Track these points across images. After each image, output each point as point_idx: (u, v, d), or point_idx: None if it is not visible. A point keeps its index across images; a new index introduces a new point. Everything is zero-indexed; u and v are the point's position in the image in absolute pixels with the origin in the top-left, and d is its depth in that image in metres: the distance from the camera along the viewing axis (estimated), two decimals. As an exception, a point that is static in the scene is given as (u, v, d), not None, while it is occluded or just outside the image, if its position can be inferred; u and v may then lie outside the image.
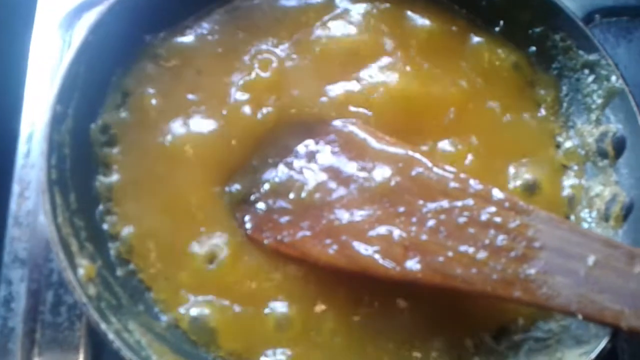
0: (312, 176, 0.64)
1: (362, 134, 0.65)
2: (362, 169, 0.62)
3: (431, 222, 0.57)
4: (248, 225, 0.63)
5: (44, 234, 0.73)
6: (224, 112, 0.68)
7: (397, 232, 0.57)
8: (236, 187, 0.65)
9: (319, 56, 0.72)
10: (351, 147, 0.64)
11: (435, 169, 0.60)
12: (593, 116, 0.70)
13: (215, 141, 0.66)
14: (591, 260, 0.54)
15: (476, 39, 0.75)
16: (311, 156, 0.65)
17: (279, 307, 0.61)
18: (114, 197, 0.64)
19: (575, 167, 0.70)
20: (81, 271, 0.56)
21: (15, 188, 0.76)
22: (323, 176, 0.63)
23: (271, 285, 0.62)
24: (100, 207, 0.63)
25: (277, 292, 0.61)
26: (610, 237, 0.63)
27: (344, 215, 0.60)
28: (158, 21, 0.72)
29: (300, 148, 0.66)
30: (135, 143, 0.67)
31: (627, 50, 0.90)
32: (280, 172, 0.65)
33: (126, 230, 0.63)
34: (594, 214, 0.66)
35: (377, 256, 0.57)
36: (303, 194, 0.63)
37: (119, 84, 0.69)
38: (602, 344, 0.55)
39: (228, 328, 0.60)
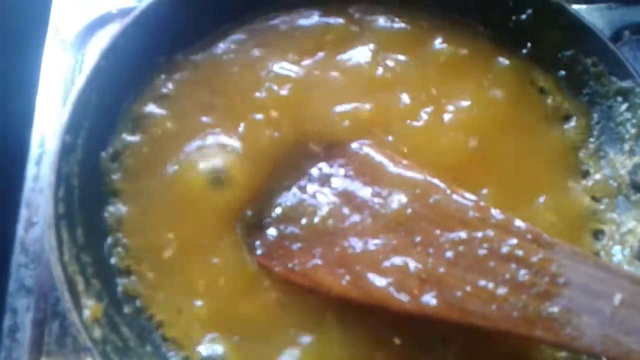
0: (325, 201, 0.61)
1: (378, 157, 0.62)
2: (377, 194, 0.60)
3: (449, 254, 0.55)
4: (259, 252, 0.61)
5: (49, 262, 0.72)
6: (240, 133, 0.66)
7: (413, 264, 0.55)
8: (248, 212, 0.63)
9: (337, 78, 0.69)
10: (366, 171, 0.62)
11: (454, 197, 0.57)
12: (626, 146, 0.66)
13: (230, 166, 0.64)
14: (617, 299, 0.51)
15: (502, 62, 0.71)
16: (325, 180, 0.63)
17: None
18: (123, 228, 0.62)
19: (606, 200, 0.66)
20: (87, 312, 0.54)
21: (24, 212, 0.74)
22: (336, 201, 0.61)
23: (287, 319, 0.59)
24: (109, 239, 0.61)
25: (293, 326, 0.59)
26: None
27: (357, 244, 0.58)
28: (172, 42, 0.70)
29: (314, 171, 0.64)
30: (147, 170, 0.64)
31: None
32: (292, 196, 0.63)
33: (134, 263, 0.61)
34: (627, 251, 0.63)
35: (391, 289, 0.55)
36: (316, 220, 0.60)
37: (131, 109, 0.67)
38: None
39: None
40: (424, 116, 0.67)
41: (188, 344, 0.59)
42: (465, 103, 0.68)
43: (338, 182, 0.62)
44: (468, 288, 0.53)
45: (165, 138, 0.66)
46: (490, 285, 0.53)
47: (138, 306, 0.59)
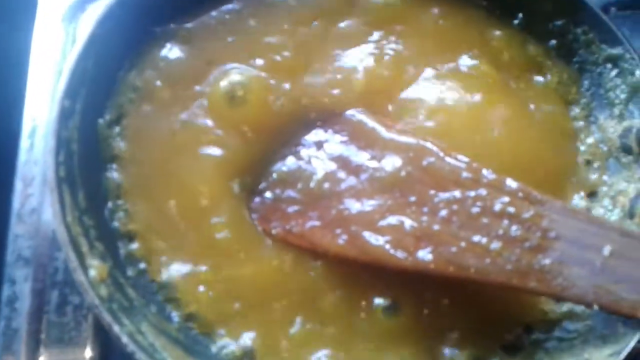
0: (321, 166, 0.62)
1: (371, 123, 0.63)
2: (372, 158, 0.61)
3: (443, 212, 0.56)
4: (255, 215, 0.62)
5: (48, 232, 0.72)
6: (233, 100, 0.65)
7: (408, 222, 0.56)
8: (246, 177, 0.64)
9: (332, 47, 0.69)
10: (360, 136, 0.63)
11: (447, 159, 0.58)
12: (616, 111, 0.68)
13: (226, 132, 0.64)
14: (607, 250, 0.53)
15: (495, 32, 0.72)
16: (320, 146, 0.64)
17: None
18: (123, 194, 0.62)
19: (598, 163, 0.68)
20: (92, 272, 0.54)
21: (18, 185, 0.74)
22: (332, 166, 0.62)
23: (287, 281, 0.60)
24: (109, 204, 0.61)
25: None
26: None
27: (353, 206, 0.59)
28: (167, 12, 0.69)
29: (309, 137, 0.65)
30: (144, 137, 0.64)
31: (641, 44, 0.88)
32: (288, 162, 0.64)
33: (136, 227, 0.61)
34: (618, 211, 0.64)
35: (388, 246, 0.56)
36: (312, 184, 0.61)
37: (127, 77, 0.66)
38: (631, 344, 0.54)
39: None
40: (421, 83, 0.68)
41: (191, 305, 0.59)
42: (460, 70, 0.69)
43: (333, 148, 0.63)
44: (462, 244, 0.54)
45: (163, 106, 0.66)
46: (484, 240, 0.54)
47: (141, 268, 0.60)
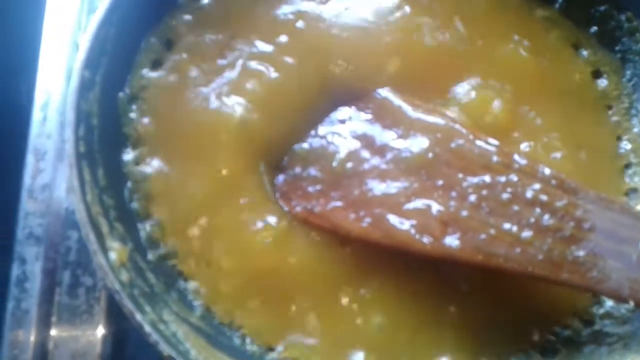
0: (344, 144, 0.60)
1: (397, 101, 0.61)
2: (398, 138, 0.58)
3: (472, 198, 0.54)
4: (277, 194, 0.60)
5: (61, 209, 0.69)
6: (261, 76, 0.62)
7: (435, 207, 0.54)
8: (272, 156, 0.61)
9: (365, 20, 0.66)
10: (386, 115, 0.60)
11: (477, 142, 0.56)
12: (661, 104, 0.65)
13: (253, 110, 0.61)
14: None
15: (536, 14, 0.69)
16: (343, 123, 0.61)
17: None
18: (144, 173, 0.59)
19: (638, 159, 0.65)
20: (113, 255, 0.51)
21: (30, 159, 0.71)
22: (355, 145, 0.59)
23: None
24: (129, 184, 0.58)
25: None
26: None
27: (378, 187, 0.56)
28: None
29: (333, 115, 0.62)
30: (166, 113, 0.61)
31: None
32: (311, 140, 0.62)
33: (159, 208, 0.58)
34: (659, 209, 0.62)
35: (413, 231, 0.54)
36: (334, 163, 0.59)
37: (150, 48, 0.63)
38: (677, 351, 0.51)
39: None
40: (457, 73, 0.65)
41: (213, 295, 0.56)
42: (499, 53, 0.66)
43: (357, 126, 0.61)
44: (492, 231, 0.52)
45: (186, 80, 0.62)
46: (515, 228, 0.52)
47: (162, 253, 0.57)
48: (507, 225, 0.52)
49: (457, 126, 0.57)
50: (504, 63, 0.66)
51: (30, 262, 0.66)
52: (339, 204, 0.57)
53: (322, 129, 0.62)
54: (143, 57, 0.62)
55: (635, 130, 0.66)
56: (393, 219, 0.54)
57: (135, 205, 0.58)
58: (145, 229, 0.57)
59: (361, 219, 0.56)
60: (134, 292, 0.50)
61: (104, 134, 0.57)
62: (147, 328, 0.48)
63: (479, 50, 0.67)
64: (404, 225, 0.54)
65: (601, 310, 0.58)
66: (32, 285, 0.65)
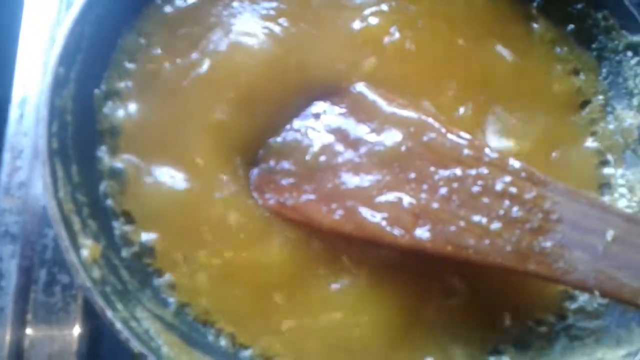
0: (318, 138, 0.60)
1: (371, 95, 0.61)
2: (371, 132, 0.59)
3: (443, 190, 0.55)
4: (252, 187, 0.60)
5: (38, 207, 0.68)
6: (234, 71, 0.62)
7: (406, 199, 0.55)
8: (249, 150, 0.61)
9: (336, 17, 0.66)
10: (360, 109, 0.61)
11: (448, 135, 0.57)
12: (635, 101, 0.65)
13: (229, 104, 0.61)
14: (610, 235, 0.52)
15: (515, 13, 0.70)
16: (318, 118, 0.62)
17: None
18: (119, 170, 0.59)
19: (613, 155, 0.65)
20: (85, 252, 0.51)
21: (6, 156, 0.70)
22: (329, 138, 0.60)
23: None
24: (104, 181, 0.58)
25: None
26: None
27: (350, 180, 0.57)
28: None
29: (308, 110, 0.63)
30: (142, 110, 0.61)
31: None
32: (286, 133, 0.62)
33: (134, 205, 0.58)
34: (634, 204, 0.62)
35: (385, 223, 0.54)
36: (308, 157, 0.60)
37: (125, 46, 0.63)
38: (647, 345, 0.52)
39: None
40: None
41: (188, 291, 0.56)
42: (477, 52, 0.67)
43: (331, 120, 0.61)
44: (462, 223, 0.53)
45: (162, 76, 0.62)
46: (484, 220, 0.53)
47: (137, 250, 0.56)
48: (476, 217, 0.53)
49: (429, 120, 0.58)
50: (481, 62, 0.67)
51: (6, 260, 0.66)
52: (311, 196, 0.58)
53: (297, 123, 0.62)
54: (120, 53, 0.62)
55: (611, 127, 0.67)
56: (365, 211, 0.55)
57: (110, 202, 0.57)
58: (120, 226, 0.57)
59: (333, 211, 0.56)
60: (105, 290, 0.50)
61: (78, 131, 0.57)
62: (118, 325, 0.48)
63: (456, 49, 0.67)
64: (376, 217, 0.55)
65: (574, 305, 0.59)
66: (7, 283, 0.65)
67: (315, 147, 0.60)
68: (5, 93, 0.73)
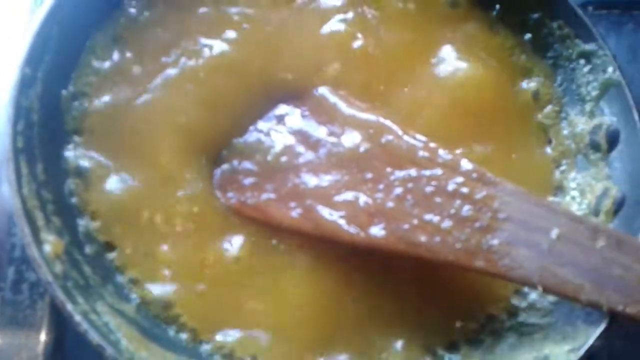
0: (280, 139, 0.63)
1: (332, 98, 0.64)
2: (332, 134, 0.61)
3: (398, 190, 0.57)
4: (214, 186, 0.62)
5: (6, 207, 0.69)
6: (204, 73, 0.64)
7: (363, 199, 0.57)
8: (213, 152, 0.63)
9: (302, 23, 0.69)
10: (321, 112, 0.63)
11: (405, 137, 0.59)
12: (587, 107, 0.68)
13: (194, 106, 0.63)
14: (555, 233, 0.54)
15: (474, 21, 0.72)
16: (280, 119, 0.64)
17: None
18: (85, 169, 0.60)
19: (566, 159, 0.68)
20: (47, 247, 0.52)
21: (-24, 156, 0.71)
22: (291, 140, 0.62)
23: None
24: (70, 180, 0.59)
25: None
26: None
27: (310, 180, 0.59)
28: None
29: (272, 112, 0.65)
30: (108, 110, 0.62)
31: (616, 44, 0.89)
32: (249, 134, 0.64)
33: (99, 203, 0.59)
34: (584, 207, 0.64)
35: (341, 221, 0.56)
36: (269, 157, 0.62)
37: (93, 47, 0.64)
38: (590, 340, 0.54)
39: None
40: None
41: (150, 286, 0.58)
42: (436, 59, 0.69)
43: (293, 122, 0.64)
44: (415, 221, 0.55)
45: (128, 78, 0.64)
46: (436, 219, 0.55)
47: (100, 247, 0.58)
48: (429, 216, 0.55)
49: (387, 123, 0.60)
50: (441, 69, 0.69)
51: (-27, 259, 0.66)
52: (272, 195, 0.60)
53: (260, 125, 0.64)
54: (88, 54, 0.64)
55: (565, 132, 0.69)
56: (323, 210, 0.57)
57: (75, 200, 0.59)
58: (85, 223, 0.58)
59: (292, 210, 0.58)
60: (67, 284, 0.51)
61: (44, 130, 0.58)
62: (77, 317, 0.49)
63: (418, 56, 0.69)
64: (333, 216, 0.57)
65: (524, 303, 0.61)
66: (-25, 281, 0.66)
67: (277, 148, 0.62)
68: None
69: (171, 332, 0.56)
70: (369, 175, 0.58)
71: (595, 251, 0.53)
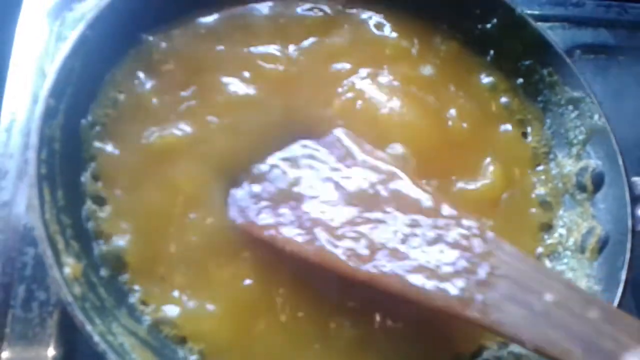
0: (295, 170, 0.66)
1: (347, 142, 0.68)
2: (345, 173, 0.65)
3: (401, 233, 0.59)
4: (228, 208, 0.65)
5: (19, 226, 0.72)
6: (222, 109, 0.68)
7: (366, 236, 0.60)
8: (227, 174, 0.67)
9: (323, 64, 0.73)
10: (337, 151, 0.67)
11: (414, 187, 0.63)
12: (574, 150, 0.72)
13: (214, 134, 0.67)
14: (549, 297, 0.55)
15: (469, 65, 0.77)
16: (298, 153, 0.68)
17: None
18: (103, 196, 0.63)
19: (554, 198, 0.72)
20: (67, 270, 0.55)
21: (-8, 177, 0.74)
22: (305, 172, 0.66)
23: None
24: (87, 205, 0.62)
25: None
26: (585, 268, 0.66)
27: (318, 211, 0.62)
28: (156, 19, 0.71)
29: (291, 145, 0.69)
30: (128, 140, 0.66)
31: (602, 87, 0.94)
32: (266, 164, 0.68)
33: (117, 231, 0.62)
34: (571, 243, 0.68)
35: (343, 254, 0.59)
36: (282, 185, 0.65)
37: (114, 80, 0.68)
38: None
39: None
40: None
41: (161, 309, 0.61)
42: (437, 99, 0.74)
43: (310, 156, 0.67)
44: (414, 264, 0.57)
45: (148, 110, 0.68)
46: (434, 264, 0.57)
47: (114, 270, 0.61)
48: (429, 261, 0.58)
49: (398, 171, 0.64)
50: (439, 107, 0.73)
51: (-14, 276, 0.69)
52: (280, 220, 0.63)
53: (278, 155, 0.68)
54: (108, 87, 0.67)
55: (553, 172, 0.74)
56: (326, 240, 0.60)
57: (91, 224, 0.62)
58: (100, 247, 0.61)
59: (298, 236, 0.61)
60: (85, 305, 0.54)
61: (65, 158, 0.61)
62: (96, 338, 0.52)
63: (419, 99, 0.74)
64: (336, 248, 0.59)
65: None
66: (-12, 298, 0.68)
67: (291, 178, 0.65)
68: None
69: (181, 353, 0.59)
70: (375, 215, 0.61)
71: (587, 320, 0.54)
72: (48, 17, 0.84)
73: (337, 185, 0.64)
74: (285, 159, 0.68)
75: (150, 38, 0.71)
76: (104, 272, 0.60)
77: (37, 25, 0.83)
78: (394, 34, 0.77)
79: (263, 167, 0.67)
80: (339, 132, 0.69)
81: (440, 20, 0.78)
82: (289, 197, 0.64)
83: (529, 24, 0.75)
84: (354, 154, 0.66)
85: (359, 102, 0.71)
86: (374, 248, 0.59)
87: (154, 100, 0.68)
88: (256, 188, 0.66)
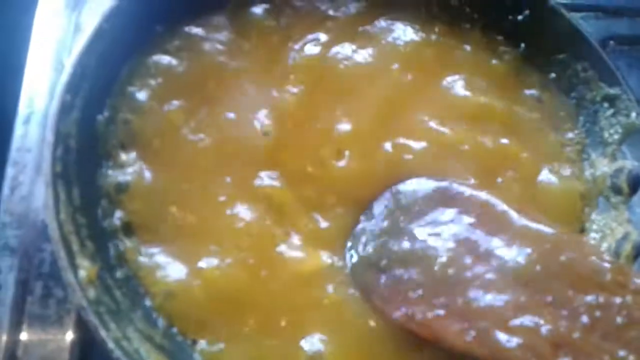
0: (445, 248, 0.57)
1: (501, 206, 0.58)
2: (502, 246, 0.56)
3: (584, 318, 0.50)
4: (377, 296, 0.58)
5: (37, 222, 0.71)
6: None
7: (545, 325, 0.51)
8: (366, 249, 0.61)
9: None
10: (489, 220, 0.58)
11: (590, 257, 0.53)
12: (609, 150, 0.69)
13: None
14: None
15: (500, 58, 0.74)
16: (445, 225, 0.59)
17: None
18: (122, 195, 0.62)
19: (588, 201, 0.69)
20: (82, 273, 0.54)
21: (9, 171, 0.73)
22: (458, 249, 0.57)
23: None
24: (103, 203, 0.61)
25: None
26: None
27: (482, 297, 0.53)
28: (172, 13, 0.69)
29: (433, 215, 0.61)
30: (146, 136, 0.65)
31: (638, 80, 0.90)
32: (411, 240, 0.60)
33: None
34: (604, 249, 0.65)
35: (521, 351, 0.50)
36: (435, 267, 0.56)
37: (129, 75, 0.66)
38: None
39: None
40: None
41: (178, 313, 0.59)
42: (475, 101, 0.71)
43: (460, 229, 0.58)
44: (606, 358, 0.48)
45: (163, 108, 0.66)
46: (632, 358, 0.48)
47: (130, 272, 0.59)
48: (622, 353, 0.48)
49: (565, 237, 0.55)
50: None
51: (4, 272, 0.68)
52: (441, 312, 0.54)
53: (422, 229, 0.60)
54: (123, 82, 0.66)
55: (587, 173, 0.70)
56: (500, 335, 0.51)
57: (107, 224, 0.61)
58: (116, 247, 0.60)
59: (465, 331, 0.52)
60: (100, 309, 0.53)
61: (81, 155, 0.60)
62: (111, 344, 0.51)
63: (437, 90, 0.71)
64: (511, 343, 0.50)
65: None
66: (5, 295, 0.67)
67: (444, 258, 0.56)
68: (11, 110, 0.77)
69: (197, 357, 0.58)
70: (549, 298, 0.51)
71: None
72: (66, 8, 0.82)
73: (498, 263, 0.54)
74: (431, 234, 0.59)
75: (164, 31, 0.69)
76: (119, 274, 0.59)
77: (56, 16, 0.82)
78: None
79: (404, 244, 0.59)
80: (486, 195, 0.59)
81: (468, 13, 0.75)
82: (444, 282, 0.55)
83: (563, 15, 0.72)
84: (511, 219, 0.56)
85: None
86: (556, 341, 0.50)
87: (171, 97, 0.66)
88: (405, 273, 0.57)
